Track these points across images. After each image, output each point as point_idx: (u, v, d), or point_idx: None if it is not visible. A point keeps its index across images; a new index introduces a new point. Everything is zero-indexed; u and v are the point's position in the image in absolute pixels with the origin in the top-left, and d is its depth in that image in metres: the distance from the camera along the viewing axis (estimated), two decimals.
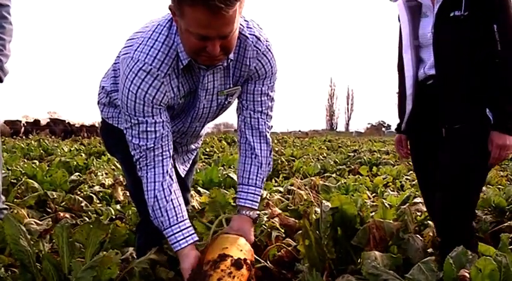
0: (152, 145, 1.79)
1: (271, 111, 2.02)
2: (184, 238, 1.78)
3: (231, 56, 1.79)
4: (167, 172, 1.82)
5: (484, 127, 2.15)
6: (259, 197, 2.01)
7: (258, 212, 1.99)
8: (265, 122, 2.00)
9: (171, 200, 1.80)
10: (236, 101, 2.03)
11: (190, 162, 2.34)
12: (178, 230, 1.78)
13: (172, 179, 1.83)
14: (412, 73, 2.34)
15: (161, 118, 1.79)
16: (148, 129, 1.77)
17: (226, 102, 1.97)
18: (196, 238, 1.82)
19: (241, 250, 1.74)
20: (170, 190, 1.80)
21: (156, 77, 1.71)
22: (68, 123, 28.42)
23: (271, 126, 2.04)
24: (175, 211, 1.79)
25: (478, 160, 2.18)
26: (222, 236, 1.84)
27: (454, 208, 2.19)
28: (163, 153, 1.82)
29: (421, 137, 2.44)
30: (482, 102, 2.16)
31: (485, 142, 2.15)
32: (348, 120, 77.55)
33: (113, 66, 2.02)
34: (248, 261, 1.73)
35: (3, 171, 2.92)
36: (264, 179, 2.03)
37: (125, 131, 1.84)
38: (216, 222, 2.04)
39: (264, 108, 1.98)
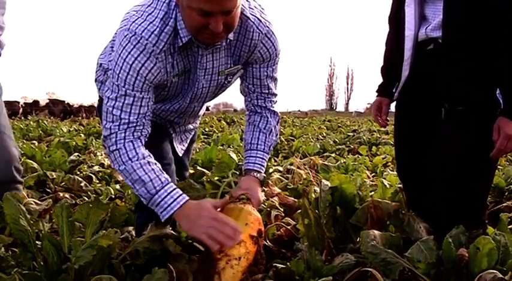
0: (134, 121, 1.76)
1: (276, 90, 2.06)
2: (174, 200, 1.73)
3: (231, 36, 1.78)
4: (143, 147, 1.79)
5: (493, 112, 1.89)
6: (266, 164, 2.04)
7: (264, 175, 2.02)
8: (271, 100, 2.06)
9: (152, 168, 1.75)
10: (238, 81, 2.04)
11: (188, 141, 2.34)
12: (166, 194, 1.73)
13: (150, 156, 1.79)
14: (414, 32, 2.06)
15: (148, 95, 1.78)
16: (135, 103, 1.75)
17: (226, 82, 1.97)
18: (187, 198, 1.76)
19: (246, 224, 1.72)
20: (149, 161, 1.76)
21: (152, 52, 1.71)
22: (67, 104, 28.35)
23: (277, 101, 2.09)
24: (158, 177, 1.74)
25: (487, 151, 1.92)
26: (228, 207, 1.81)
27: (460, 204, 1.99)
28: (143, 130, 1.79)
29: (413, 112, 2.18)
30: (493, 81, 1.90)
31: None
32: (348, 100, 77.57)
33: (110, 43, 2.00)
34: (255, 234, 1.72)
35: None
36: (271, 148, 2.07)
37: (106, 101, 1.79)
38: (224, 184, 2.05)
39: (270, 90, 2.03)
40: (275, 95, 2.06)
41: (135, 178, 1.74)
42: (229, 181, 2.08)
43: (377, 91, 2.41)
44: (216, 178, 2.20)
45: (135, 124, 1.76)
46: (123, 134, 1.75)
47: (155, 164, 1.78)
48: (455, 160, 2.00)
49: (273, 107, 2.08)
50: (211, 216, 1.68)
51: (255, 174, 1.97)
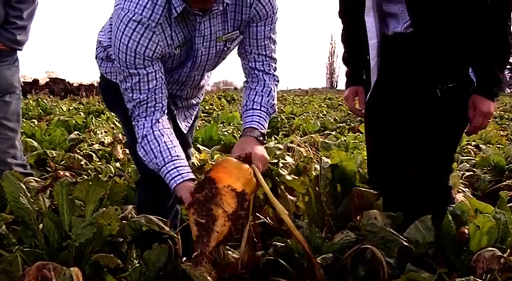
0: (146, 98, 1.78)
1: (274, 54, 1.99)
2: (179, 174, 1.74)
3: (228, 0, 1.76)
4: (159, 121, 1.82)
5: (467, 90, 1.93)
6: (265, 122, 1.92)
7: (263, 131, 1.90)
8: (269, 64, 1.98)
9: (164, 141, 1.78)
10: (237, 46, 2.00)
11: (193, 118, 2.32)
12: (173, 167, 1.75)
13: (165, 127, 1.82)
14: (377, 40, 2.03)
15: (154, 68, 1.77)
16: (141, 80, 1.76)
17: (225, 48, 1.93)
18: (192, 176, 1.77)
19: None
20: (162, 133, 1.80)
21: (147, 26, 1.68)
22: (68, 82, 28.19)
23: (276, 68, 2.00)
24: (168, 150, 1.77)
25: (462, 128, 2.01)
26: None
27: (436, 172, 2.05)
28: (157, 105, 1.82)
29: (387, 112, 2.12)
30: (466, 61, 1.94)
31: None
32: None
33: (109, 20, 1.98)
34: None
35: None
36: (270, 110, 1.96)
37: (120, 84, 1.83)
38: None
39: (268, 52, 1.96)
40: (274, 59, 1.99)
41: (147, 150, 1.79)
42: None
43: (348, 82, 2.31)
44: None
45: (146, 101, 1.79)
46: (137, 112, 1.82)
47: (168, 137, 1.81)
48: (431, 141, 2.02)
49: (272, 71, 1.99)
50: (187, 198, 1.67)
51: (250, 133, 1.87)
